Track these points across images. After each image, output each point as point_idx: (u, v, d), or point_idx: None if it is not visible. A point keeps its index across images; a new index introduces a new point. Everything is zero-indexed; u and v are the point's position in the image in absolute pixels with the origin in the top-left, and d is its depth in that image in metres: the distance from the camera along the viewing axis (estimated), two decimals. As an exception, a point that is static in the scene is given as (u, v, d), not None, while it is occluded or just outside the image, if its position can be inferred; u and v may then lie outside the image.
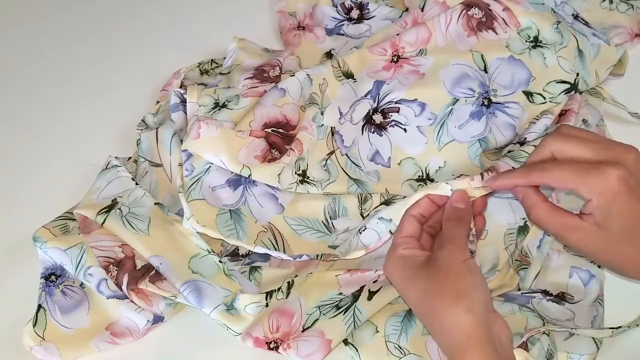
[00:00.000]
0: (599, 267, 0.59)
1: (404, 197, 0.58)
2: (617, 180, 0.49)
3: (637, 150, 0.50)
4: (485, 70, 0.67)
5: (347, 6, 0.80)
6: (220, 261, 0.59)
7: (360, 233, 0.58)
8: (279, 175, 0.61)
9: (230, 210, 0.61)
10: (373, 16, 0.79)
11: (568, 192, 0.59)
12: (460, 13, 0.70)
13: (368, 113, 0.67)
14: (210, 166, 0.62)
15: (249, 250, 0.61)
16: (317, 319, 0.57)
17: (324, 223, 0.62)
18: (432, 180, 0.65)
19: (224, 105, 0.66)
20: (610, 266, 0.54)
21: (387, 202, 0.62)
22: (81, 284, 0.60)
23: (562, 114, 0.66)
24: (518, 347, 0.53)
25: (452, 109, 0.65)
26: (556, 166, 0.51)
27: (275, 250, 0.59)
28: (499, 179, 0.54)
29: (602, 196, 0.49)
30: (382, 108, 0.67)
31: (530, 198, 0.53)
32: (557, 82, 0.66)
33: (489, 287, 0.52)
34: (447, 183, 0.55)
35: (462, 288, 0.48)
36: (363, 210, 0.62)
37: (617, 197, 0.49)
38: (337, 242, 0.60)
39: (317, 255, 0.58)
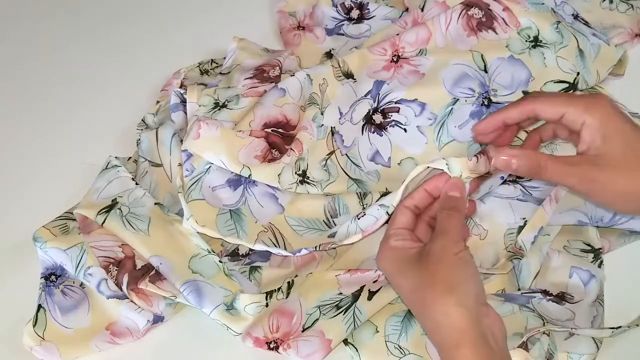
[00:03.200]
0: (599, 266, 0.59)
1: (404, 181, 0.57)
2: (607, 101, 0.49)
3: None
4: (485, 70, 0.67)
5: (347, 6, 0.80)
6: (220, 261, 0.59)
7: (359, 219, 0.58)
8: (279, 175, 0.61)
9: (230, 210, 0.61)
10: (373, 16, 0.79)
11: (568, 190, 0.59)
12: (460, 13, 0.70)
13: (368, 113, 0.67)
14: (210, 166, 0.62)
15: (249, 250, 0.61)
16: (317, 319, 0.57)
17: (325, 222, 0.62)
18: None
19: (224, 105, 0.66)
20: (616, 199, 0.51)
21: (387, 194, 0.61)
22: (81, 284, 0.60)
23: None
24: (518, 347, 0.53)
25: (452, 108, 0.65)
26: (544, 94, 0.51)
27: (276, 247, 0.59)
28: (486, 120, 0.54)
29: (597, 115, 0.49)
30: (382, 108, 0.67)
31: (539, 159, 0.51)
32: (555, 82, 0.66)
33: (483, 282, 0.52)
34: (443, 158, 0.53)
35: (452, 281, 0.48)
36: (365, 206, 0.62)
37: (612, 115, 0.49)
38: (335, 229, 0.60)
39: (316, 247, 0.58)
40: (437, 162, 0.53)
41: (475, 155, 0.53)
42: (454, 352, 0.46)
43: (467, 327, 0.46)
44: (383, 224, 0.57)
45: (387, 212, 0.56)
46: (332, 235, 0.59)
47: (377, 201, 0.58)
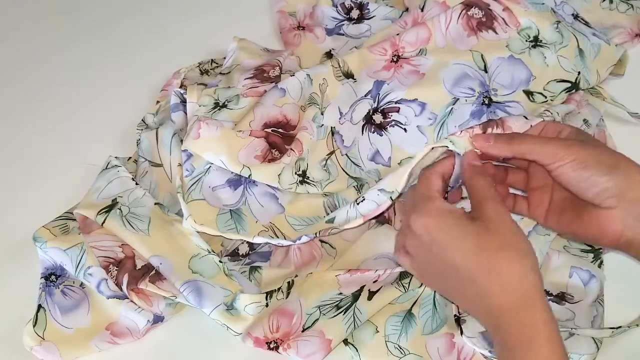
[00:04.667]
0: (599, 266, 0.59)
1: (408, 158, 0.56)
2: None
3: None
4: (485, 70, 0.67)
5: (347, 6, 0.80)
6: (220, 261, 0.59)
7: (358, 204, 0.58)
8: (279, 175, 0.61)
9: (230, 210, 0.61)
10: (373, 16, 0.79)
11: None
12: (460, 13, 0.70)
13: (368, 113, 0.67)
14: (210, 166, 0.62)
15: (249, 250, 0.61)
16: (317, 319, 0.57)
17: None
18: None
19: (224, 105, 0.66)
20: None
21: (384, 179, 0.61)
22: (81, 284, 0.60)
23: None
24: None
25: (452, 108, 0.65)
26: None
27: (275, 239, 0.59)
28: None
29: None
30: (382, 108, 0.67)
31: (526, 140, 0.53)
32: (557, 81, 0.66)
33: None
34: (446, 137, 0.55)
35: (525, 248, 0.48)
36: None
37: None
38: (333, 215, 0.60)
39: (316, 233, 0.58)
40: (442, 141, 0.54)
41: (478, 125, 0.55)
42: (530, 313, 0.46)
43: (542, 290, 0.47)
44: (386, 210, 0.57)
45: (390, 198, 0.56)
46: (331, 221, 0.59)
47: (374, 186, 0.58)
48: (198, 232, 0.60)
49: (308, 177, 0.63)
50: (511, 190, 0.59)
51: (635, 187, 0.50)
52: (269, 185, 0.62)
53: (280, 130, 0.65)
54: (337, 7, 0.80)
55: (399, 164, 0.65)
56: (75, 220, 0.63)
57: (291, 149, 0.63)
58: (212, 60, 0.77)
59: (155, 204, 0.62)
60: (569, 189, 0.52)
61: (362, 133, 0.67)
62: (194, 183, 0.62)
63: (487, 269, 0.47)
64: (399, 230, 0.56)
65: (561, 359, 0.45)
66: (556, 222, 0.55)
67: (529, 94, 0.66)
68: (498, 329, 0.47)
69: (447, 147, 0.54)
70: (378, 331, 0.57)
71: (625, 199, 0.50)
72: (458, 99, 0.65)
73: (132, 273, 0.58)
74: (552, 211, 0.55)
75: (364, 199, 0.57)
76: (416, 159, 0.55)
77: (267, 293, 0.56)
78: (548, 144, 0.52)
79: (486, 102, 0.65)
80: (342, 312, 0.57)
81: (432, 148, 0.55)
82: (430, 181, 0.53)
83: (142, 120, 0.70)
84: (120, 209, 0.61)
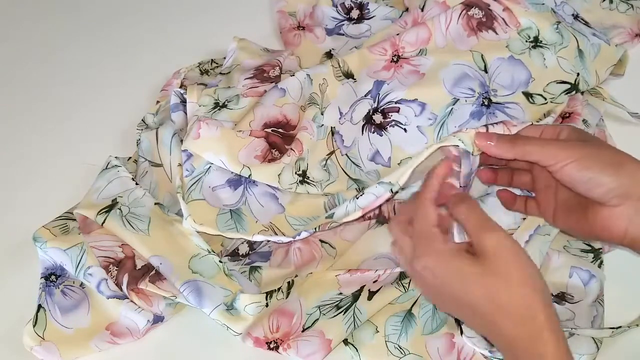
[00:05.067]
0: (599, 266, 0.59)
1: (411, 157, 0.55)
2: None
3: None
4: (486, 70, 0.67)
5: (347, 6, 0.80)
6: (220, 261, 0.59)
7: (357, 198, 0.57)
8: (279, 175, 0.61)
9: (230, 210, 0.61)
10: (373, 16, 0.79)
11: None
12: (461, 13, 0.70)
13: (368, 113, 0.67)
14: (210, 166, 0.62)
15: (249, 250, 0.61)
16: (317, 319, 0.57)
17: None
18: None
19: (224, 105, 0.66)
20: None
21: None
22: (81, 284, 0.60)
23: (567, 116, 0.66)
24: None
25: (452, 108, 0.65)
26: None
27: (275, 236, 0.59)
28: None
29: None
30: (382, 108, 0.67)
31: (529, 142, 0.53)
32: (557, 83, 0.66)
33: None
34: (453, 135, 0.54)
35: (525, 271, 0.47)
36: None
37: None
38: (332, 211, 0.59)
39: (316, 228, 0.58)
40: (449, 140, 0.53)
41: (485, 126, 0.54)
42: (536, 340, 0.45)
43: (547, 312, 0.46)
44: (385, 202, 0.56)
45: (391, 190, 0.55)
46: (330, 216, 0.59)
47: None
48: (198, 232, 0.60)
49: (308, 177, 0.63)
50: (520, 193, 0.59)
51: None
52: (269, 185, 0.62)
53: (280, 130, 0.65)
54: (337, 7, 0.80)
55: (398, 164, 0.65)
56: (75, 220, 0.63)
57: (291, 149, 0.63)
58: (212, 60, 0.77)
59: (155, 204, 0.62)
60: (574, 189, 0.52)
61: (362, 133, 0.67)
62: (194, 183, 0.62)
63: (497, 307, 0.47)
64: (394, 245, 0.55)
65: None
66: (564, 221, 0.55)
67: (528, 95, 0.66)
68: (512, 356, 0.47)
69: (456, 145, 0.53)
70: (378, 331, 0.57)
71: (630, 197, 0.49)
72: (458, 99, 0.65)
73: (132, 273, 0.58)
74: (559, 211, 0.55)
75: (363, 194, 0.57)
76: (423, 156, 0.54)
77: (267, 293, 0.56)
78: (548, 146, 0.52)
79: (485, 103, 0.65)
80: (342, 312, 0.57)
81: (440, 147, 0.54)
82: (427, 215, 0.51)
83: (142, 120, 0.70)
84: (120, 209, 0.61)
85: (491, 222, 0.49)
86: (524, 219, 0.59)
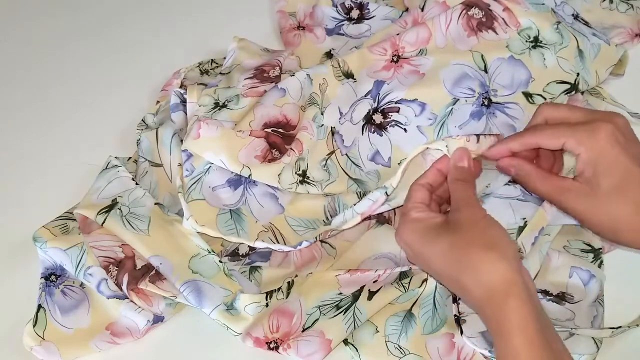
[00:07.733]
0: (599, 266, 0.59)
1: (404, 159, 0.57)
2: (605, 133, 0.49)
3: (625, 117, 0.52)
4: (486, 70, 0.67)
5: (347, 6, 0.80)
6: (220, 261, 0.59)
7: (355, 205, 0.58)
8: (279, 175, 0.61)
9: (230, 210, 0.61)
10: (373, 16, 0.79)
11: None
12: (461, 13, 0.70)
13: (368, 113, 0.67)
14: (210, 166, 0.62)
15: (249, 250, 0.61)
16: (317, 319, 0.57)
17: (324, 222, 0.62)
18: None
19: (224, 105, 0.66)
20: (605, 230, 0.52)
21: None
22: (81, 284, 0.60)
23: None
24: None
25: (452, 108, 0.65)
26: (548, 126, 0.53)
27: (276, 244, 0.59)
28: (494, 147, 0.55)
29: (591, 149, 0.49)
30: (382, 108, 0.67)
31: (524, 168, 0.54)
32: (557, 83, 0.66)
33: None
34: (443, 140, 0.55)
35: (492, 237, 0.48)
36: None
37: (606, 150, 0.49)
38: (331, 221, 0.60)
39: (316, 237, 0.58)
40: (436, 143, 0.55)
41: (475, 135, 0.55)
42: (501, 303, 0.46)
43: (513, 278, 0.46)
44: (381, 205, 0.57)
45: (385, 193, 0.56)
46: (329, 224, 0.60)
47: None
48: (198, 232, 0.60)
49: (308, 177, 0.63)
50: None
51: None
52: (269, 185, 0.62)
53: (280, 130, 0.65)
54: (337, 7, 0.80)
55: (398, 164, 0.65)
56: (75, 220, 0.63)
57: (291, 149, 0.63)
58: (212, 60, 0.77)
59: (155, 204, 0.62)
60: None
61: (362, 133, 0.67)
62: (194, 183, 0.62)
63: (461, 268, 0.48)
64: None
65: (533, 347, 0.45)
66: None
67: (528, 95, 0.66)
68: (484, 320, 0.48)
69: (440, 149, 0.55)
70: (378, 331, 0.57)
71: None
72: (458, 99, 0.65)
73: (132, 273, 0.58)
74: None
75: (360, 200, 0.58)
76: (410, 157, 0.56)
77: (267, 293, 0.56)
78: (549, 179, 0.53)
79: (485, 103, 0.65)
80: (342, 312, 0.57)
81: (427, 148, 0.55)
82: (410, 195, 0.54)
83: (142, 120, 0.70)
84: (120, 209, 0.61)
85: (474, 202, 0.51)
86: (524, 219, 0.59)
